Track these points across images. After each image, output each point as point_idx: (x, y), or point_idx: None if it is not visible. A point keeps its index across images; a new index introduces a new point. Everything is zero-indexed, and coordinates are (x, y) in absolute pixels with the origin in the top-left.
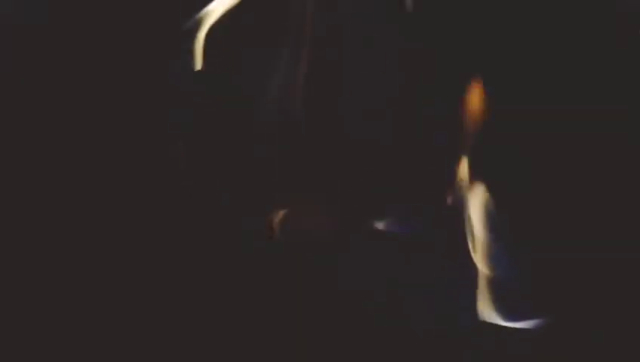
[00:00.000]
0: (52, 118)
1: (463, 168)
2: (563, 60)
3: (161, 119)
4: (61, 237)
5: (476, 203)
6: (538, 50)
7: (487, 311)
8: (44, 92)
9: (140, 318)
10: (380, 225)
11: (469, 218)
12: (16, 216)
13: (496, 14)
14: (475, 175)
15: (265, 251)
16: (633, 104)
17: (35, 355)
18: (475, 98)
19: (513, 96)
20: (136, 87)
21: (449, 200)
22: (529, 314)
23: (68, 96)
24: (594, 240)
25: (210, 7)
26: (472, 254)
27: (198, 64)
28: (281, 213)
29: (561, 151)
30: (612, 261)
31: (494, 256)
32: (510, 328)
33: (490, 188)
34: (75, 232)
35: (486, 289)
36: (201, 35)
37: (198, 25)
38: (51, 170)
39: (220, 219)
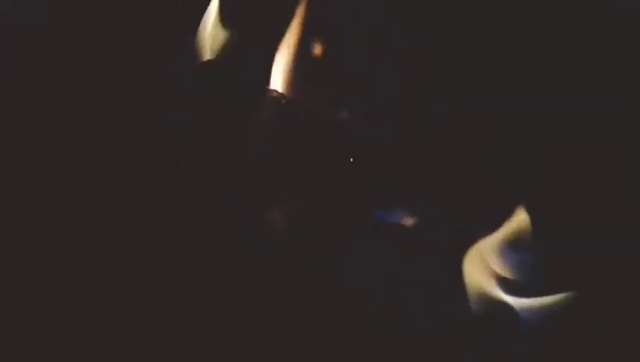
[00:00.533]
0: (52, 118)
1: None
2: (563, 61)
3: (161, 119)
4: (60, 236)
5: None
6: (538, 51)
7: (490, 310)
8: (45, 92)
9: (140, 317)
10: (380, 224)
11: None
12: (16, 215)
13: (498, 15)
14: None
15: (265, 251)
16: (633, 104)
17: (35, 355)
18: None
19: (511, 96)
20: (136, 87)
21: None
22: (533, 311)
23: (68, 96)
24: (603, 239)
25: (211, 6)
26: (484, 252)
27: (201, 62)
28: (282, 212)
29: (561, 151)
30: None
31: (508, 256)
32: (509, 327)
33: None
34: (73, 231)
35: (493, 288)
36: (202, 33)
37: (199, 24)
38: (51, 170)
39: (220, 218)
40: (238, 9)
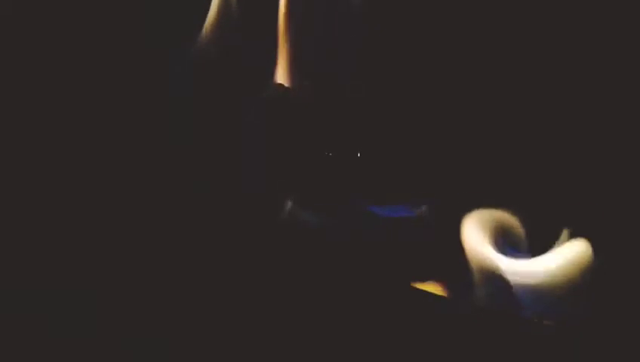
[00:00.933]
0: (52, 117)
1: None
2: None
3: (163, 117)
4: (61, 235)
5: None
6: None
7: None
8: (44, 90)
9: (145, 314)
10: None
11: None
12: (17, 216)
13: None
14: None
15: (267, 246)
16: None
17: (34, 355)
18: None
19: (507, 94)
20: (136, 86)
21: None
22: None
23: (68, 96)
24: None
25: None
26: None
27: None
28: (287, 204)
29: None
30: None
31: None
32: (507, 319)
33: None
34: (73, 231)
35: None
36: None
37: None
38: (51, 169)
39: (221, 216)
40: (239, 5)
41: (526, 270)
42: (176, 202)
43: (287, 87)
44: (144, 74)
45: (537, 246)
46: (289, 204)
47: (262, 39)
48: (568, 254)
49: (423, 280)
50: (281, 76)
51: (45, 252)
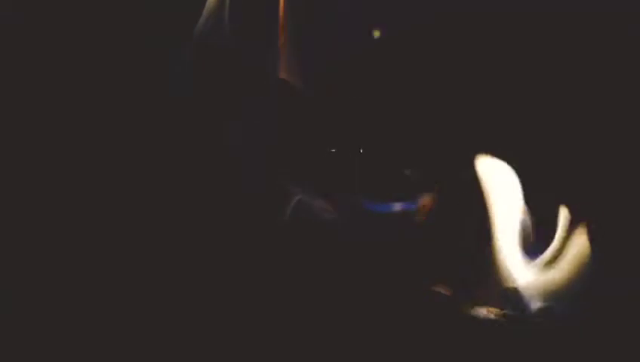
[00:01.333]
0: (51, 117)
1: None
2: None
3: (163, 116)
4: (60, 235)
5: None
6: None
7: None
8: (45, 90)
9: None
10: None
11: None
12: (17, 215)
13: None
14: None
15: (268, 245)
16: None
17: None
18: None
19: (514, 93)
20: (136, 86)
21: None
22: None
23: (67, 96)
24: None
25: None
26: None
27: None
28: (287, 204)
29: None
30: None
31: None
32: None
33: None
34: (73, 229)
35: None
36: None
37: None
38: (50, 169)
39: (222, 214)
40: (238, 4)
41: (527, 267)
42: (176, 202)
43: (287, 86)
44: (144, 74)
45: (536, 244)
46: (290, 203)
47: (262, 38)
48: (569, 252)
49: (423, 277)
50: (282, 75)
51: (45, 252)
